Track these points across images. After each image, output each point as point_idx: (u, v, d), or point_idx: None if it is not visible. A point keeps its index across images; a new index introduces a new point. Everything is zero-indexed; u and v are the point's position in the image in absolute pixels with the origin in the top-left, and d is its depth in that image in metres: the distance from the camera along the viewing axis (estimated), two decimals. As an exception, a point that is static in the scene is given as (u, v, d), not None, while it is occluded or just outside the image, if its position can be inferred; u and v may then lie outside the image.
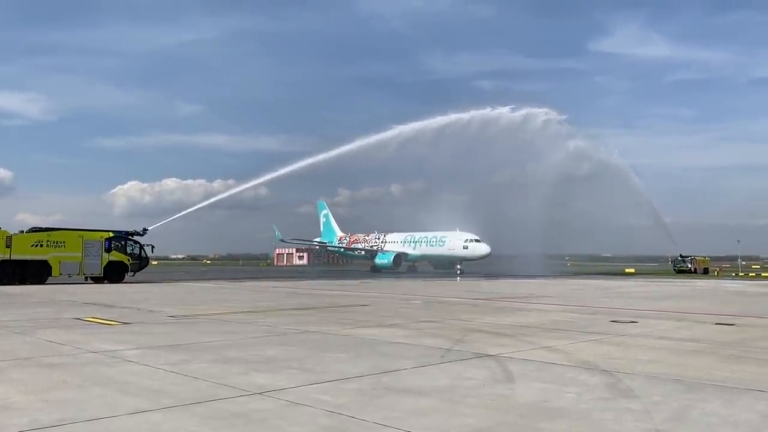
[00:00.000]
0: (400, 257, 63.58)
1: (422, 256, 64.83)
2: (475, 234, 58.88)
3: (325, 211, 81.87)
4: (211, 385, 6.97)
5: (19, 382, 7.12)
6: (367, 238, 71.69)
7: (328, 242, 78.64)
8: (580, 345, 10.54)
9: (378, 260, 65.05)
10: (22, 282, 31.44)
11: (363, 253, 71.00)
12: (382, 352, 9.60)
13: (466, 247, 58.12)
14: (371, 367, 8.17)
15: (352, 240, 74.43)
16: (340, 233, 78.03)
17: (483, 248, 57.90)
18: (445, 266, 62.67)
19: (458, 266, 56.10)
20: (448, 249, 59.81)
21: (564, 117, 57.90)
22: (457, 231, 59.86)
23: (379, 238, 69.70)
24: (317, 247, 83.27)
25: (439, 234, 61.94)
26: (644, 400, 6.37)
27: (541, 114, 55.53)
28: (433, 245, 62.55)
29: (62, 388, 6.82)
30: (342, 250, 76.97)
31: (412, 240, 65.54)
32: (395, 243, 67.09)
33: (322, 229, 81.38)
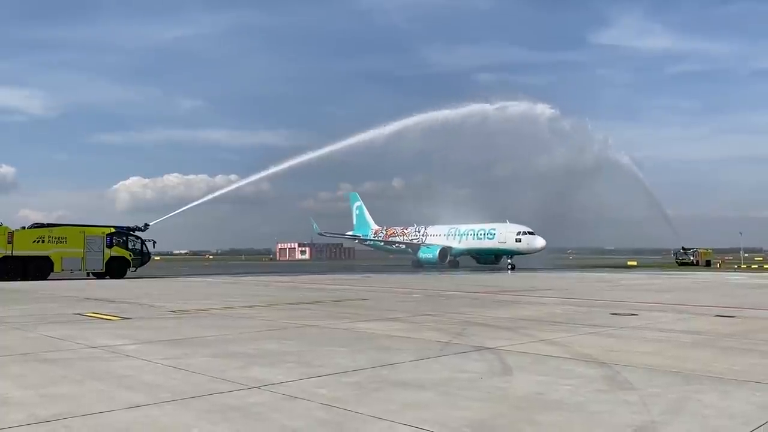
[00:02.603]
0: (445, 251, 59.60)
1: (468, 250, 60.72)
2: (527, 226, 55.15)
3: (358, 203, 77.18)
4: (209, 379, 6.99)
5: (18, 377, 7.15)
6: (405, 231, 67.57)
7: (362, 235, 74.45)
8: (578, 337, 10.55)
9: (422, 254, 61.00)
10: (24, 278, 31.56)
11: (403, 246, 66.80)
12: (381, 345, 9.61)
13: (518, 240, 54.13)
14: (370, 360, 8.19)
15: (389, 233, 70.21)
16: (375, 226, 73.83)
17: (538, 241, 53.87)
18: (490, 261, 60.22)
19: (509, 260, 53.62)
20: (499, 242, 56.01)
21: (561, 111, 57.54)
22: (507, 223, 56.32)
23: (419, 231, 65.48)
24: (356, 241, 76.32)
25: (487, 226, 58.05)
26: (641, 392, 6.38)
27: (538, 108, 55.27)
28: (480, 238, 58.48)
29: (61, 383, 6.85)
30: (381, 243, 71.91)
31: (457, 233, 61.19)
32: (438, 236, 62.90)
33: (354, 221, 77.13)
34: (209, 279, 35.41)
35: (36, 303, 17.92)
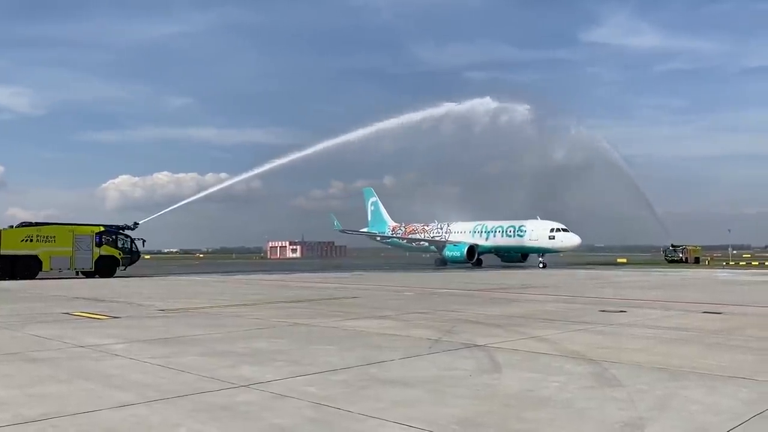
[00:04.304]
0: (473, 249, 55.67)
1: (495, 248, 57.35)
2: (561, 223, 52.12)
3: (373, 199, 73.11)
4: (198, 378, 6.97)
5: (5, 377, 7.09)
6: (426, 227, 64.12)
7: (379, 232, 70.30)
8: (568, 335, 10.60)
9: (448, 252, 57.18)
10: (12, 277, 31.25)
11: (426, 244, 63.37)
12: (370, 343, 9.62)
13: (552, 237, 51.31)
14: (359, 358, 8.19)
15: (409, 230, 66.67)
16: (392, 223, 69.95)
17: (573, 239, 51.14)
18: (516, 259, 58.01)
19: (540, 259, 51.66)
20: (530, 240, 52.93)
21: (552, 109, 57.46)
22: (538, 219, 53.77)
23: (441, 228, 62.12)
24: (377, 239, 71.07)
25: (516, 223, 55.21)
26: (629, 388, 6.42)
27: (528, 106, 55.16)
28: (510, 236, 55.13)
29: (48, 382, 6.80)
30: (404, 242, 67.76)
31: (484, 230, 57.59)
32: (463, 233, 59.52)
33: (369, 218, 73.28)
34: (199, 277, 35.26)
35: (24, 302, 17.78)
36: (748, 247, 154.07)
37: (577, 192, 64.96)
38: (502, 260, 59.59)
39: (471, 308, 15.47)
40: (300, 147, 49.02)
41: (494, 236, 56.99)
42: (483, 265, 57.12)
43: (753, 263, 65.20)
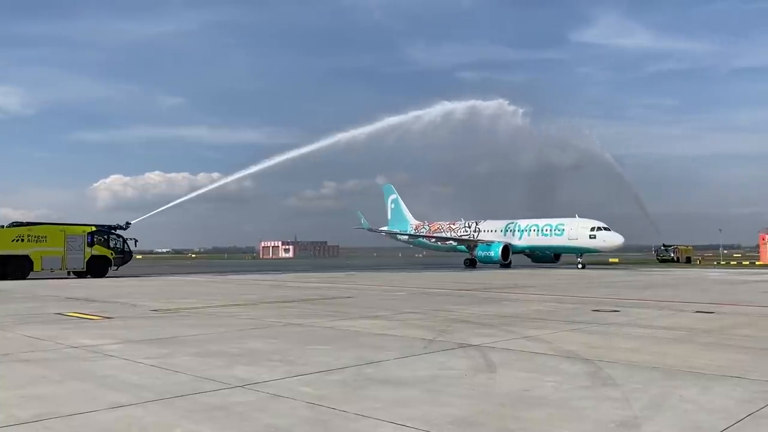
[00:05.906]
0: (507, 249, 53.03)
1: (529, 247, 55.01)
2: (602, 221, 49.79)
3: (393, 196, 70.07)
4: (192, 378, 6.94)
5: (-2, 378, 7.04)
6: (452, 226, 61.27)
7: (401, 231, 67.24)
8: (562, 334, 10.63)
9: (481, 252, 54.30)
10: (3, 278, 31.07)
11: (454, 244, 60.20)
12: (365, 343, 9.61)
13: (593, 237, 48.75)
14: (354, 358, 8.18)
15: (433, 228, 63.84)
16: (414, 221, 67.19)
17: (616, 238, 48.78)
18: (548, 259, 56.23)
19: (579, 259, 49.41)
20: (569, 239, 50.25)
21: (543, 109, 57.35)
22: (577, 218, 51.10)
23: (470, 227, 59.30)
24: (406, 237, 67.44)
25: (554, 221, 52.39)
26: (623, 387, 6.45)
27: (518, 106, 55.02)
28: (546, 235, 52.56)
29: (41, 383, 6.76)
30: (432, 241, 64.32)
31: (517, 228, 54.95)
32: (493, 232, 56.95)
33: (389, 217, 70.31)
34: (192, 277, 35.15)
35: (15, 303, 17.66)
36: (738, 247, 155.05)
37: (568, 192, 65.20)
38: (532, 260, 57.53)
39: (464, 308, 15.49)
40: (292, 147, 48.85)
41: (528, 235, 54.32)
42: (513, 265, 54.38)
43: (744, 263, 65.64)
